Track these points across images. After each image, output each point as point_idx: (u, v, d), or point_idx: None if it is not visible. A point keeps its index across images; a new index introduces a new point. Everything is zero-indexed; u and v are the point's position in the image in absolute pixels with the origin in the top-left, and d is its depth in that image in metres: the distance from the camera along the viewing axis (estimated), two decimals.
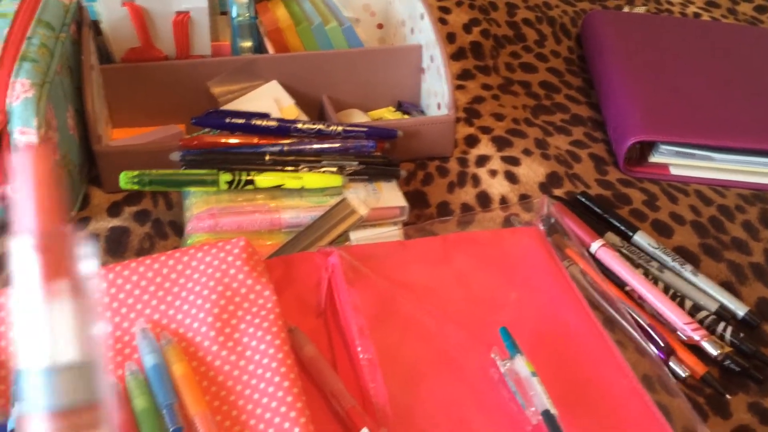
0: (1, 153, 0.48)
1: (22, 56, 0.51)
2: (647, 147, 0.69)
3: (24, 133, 0.48)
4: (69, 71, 0.57)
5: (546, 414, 0.42)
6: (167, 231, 0.55)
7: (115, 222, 0.55)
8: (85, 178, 0.58)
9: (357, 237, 0.54)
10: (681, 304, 0.53)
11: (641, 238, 0.58)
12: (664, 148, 0.67)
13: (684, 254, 0.58)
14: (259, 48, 0.70)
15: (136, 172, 0.52)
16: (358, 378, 0.45)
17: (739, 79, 0.76)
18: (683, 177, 0.68)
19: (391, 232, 0.56)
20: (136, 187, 0.52)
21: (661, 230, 0.61)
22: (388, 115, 0.70)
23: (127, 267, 0.45)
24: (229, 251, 0.46)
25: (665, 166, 0.68)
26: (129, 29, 0.60)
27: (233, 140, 0.58)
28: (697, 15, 0.96)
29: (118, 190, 0.57)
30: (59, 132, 0.52)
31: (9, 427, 0.36)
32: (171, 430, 0.38)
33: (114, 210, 0.56)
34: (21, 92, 0.49)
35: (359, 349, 0.46)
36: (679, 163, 0.68)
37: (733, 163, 0.67)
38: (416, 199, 0.62)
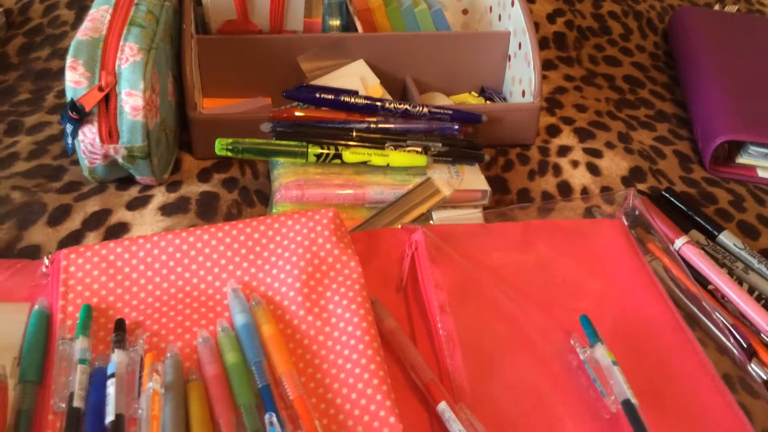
0: (108, 114, 0.50)
1: (131, 21, 0.53)
2: (734, 147, 0.67)
3: (131, 95, 0.50)
4: (170, 39, 0.59)
5: (626, 403, 0.42)
6: (254, 199, 0.57)
7: (205, 187, 0.57)
8: (177, 143, 0.60)
9: (439, 217, 0.55)
10: (766, 307, 0.52)
11: (727, 238, 0.57)
12: (753, 149, 0.66)
13: None
14: (348, 27, 0.71)
15: (230, 140, 0.54)
16: (437, 354, 0.46)
17: None
18: None
19: (473, 215, 0.56)
20: (230, 154, 0.54)
21: (747, 232, 0.60)
22: (470, 99, 0.71)
23: (221, 229, 0.47)
24: (318, 221, 0.47)
25: (753, 168, 0.67)
26: (227, 2, 0.62)
27: (322, 115, 0.60)
28: None
29: (208, 157, 0.59)
30: (160, 97, 0.54)
31: (109, 371, 0.38)
32: (260, 386, 0.39)
33: (204, 176, 0.58)
34: (129, 56, 0.51)
35: (439, 325, 0.46)
36: None
37: None
38: (497, 185, 0.62)
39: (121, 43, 0.52)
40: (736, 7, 0.92)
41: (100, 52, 0.51)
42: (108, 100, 0.50)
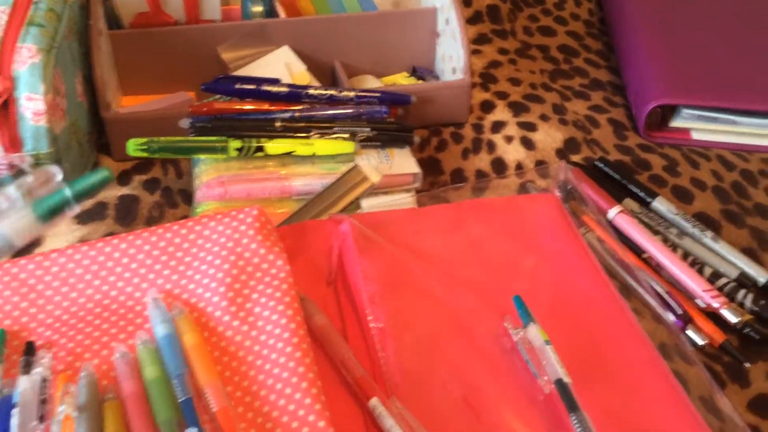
0: (8, 121, 0.48)
1: (29, 21, 0.50)
2: (668, 111, 0.67)
3: (31, 99, 0.48)
4: (77, 36, 0.56)
5: (559, 383, 0.41)
6: (177, 199, 0.55)
7: (125, 191, 0.54)
8: (94, 146, 0.58)
9: (369, 204, 0.54)
10: (700, 272, 0.52)
11: (661, 204, 0.57)
12: (686, 112, 0.65)
13: (705, 220, 0.57)
14: (270, 12, 0.69)
15: (144, 139, 0.51)
16: (369, 347, 0.45)
17: (763, 42, 0.73)
18: (705, 142, 0.66)
19: (404, 200, 0.55)
20: (144, 155, 0.51)
21: (681, 196, 0.60)
22: (401, 80, 0.69)
23: (140, 236, 0.45)
24: (242, 220, 0.46)
25: (687, 131, 0.67)
26: None
27: (244, 107, 0.57)
28: None
29: (127, 158, 0.57)
30: (67, 99, 0.51)
31: (14, 399, 0.36)
32: (181, 399, 0.38)
33: (124, 178, 0.56)
34: (27, 58, 0.48)
35: (370, 317, 0.45)
36: (702, 127, 0.66)
37: (757, 127, 0.65)
38: (430, 166, 0.60)
39: (18, 44, 0.49)
40: None
41: None
42: (7, 107, 0.48)
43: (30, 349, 0.39)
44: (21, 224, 0.44)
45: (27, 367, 0.38)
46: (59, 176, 0.45)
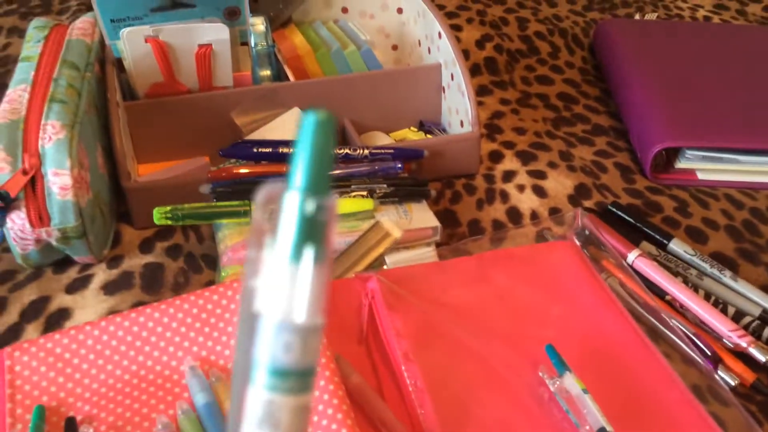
0: (36, 196, 0.48)
1: (51, 98, 0.51)
2: (672, 153, 0.69)
3: (58, 175, 0.48)
4: (96, 110, 0.57)
5: None
6: (201, 264, 0.55)
7: (149, 258, 0.55)
8: (114, 216, 0.58)
9: (392, 260, 0.54)
10: (724, 311, 0.53)
11: (677, 246, 0.58)
12: (690, 153, 0.67)
13: (721, 260, 0.58)
14: (278, 76, 0.70)
15: (168, 207, 0.52)
16: (406, 404, 0.44)
17: (757, 80, 0.75)
18: (711, 182, 0.67)
19: (427, 254, 0.55)
20: (169, 222, 0.52)
21: (695, 237, 0.61)
22: (410, 135, 0.70)
23: (172, 305, 0.45)
24: None
25: (692, 172, 0.68)
26: (152, 65, 0.60)
27: (261, 170, 0.58)
28: (707, 18, 0.96)
29: (148, 226, 0.57)
30: (91, 171, 0.52)
31: None
32: None
33: (146, 246, 0.56)
34: (52, 134, 0.49)
35: (405, 375, 0.45)
36: (706, 167, 0.68)
37: (761, 165, 0.67)
38: (447, 219, 0.61)
39: (42, 122, 0.50)
40: (656, 15, 0.95)
41: (21, 134, 0.49)
42: (34, 183, 0.48)
43: (71, 425, 0.39)
44: None
45: None
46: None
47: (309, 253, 0.20)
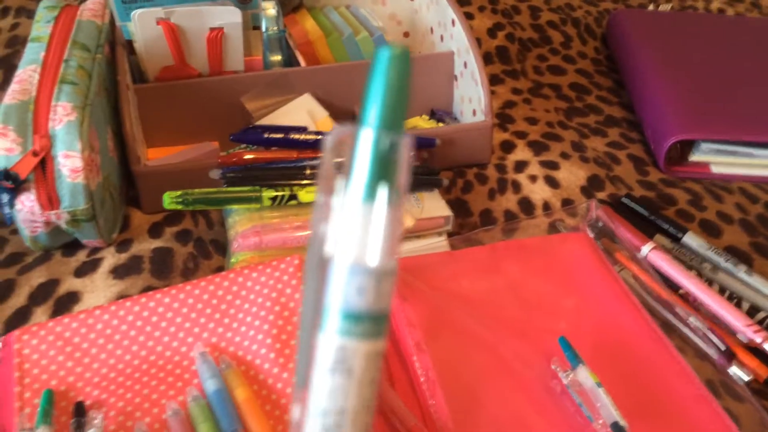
0: (46, 178, 0.48)
1: (62, 79, 0.51)
2: (686, 146, 0.68)
3: (69, 157, 0.48)
4: (106, 93, 0.56)
5: (615, 426, 0.41)
6: (210, 250, 0.55)
7: (158, 243, 0.54)
8: (124, 200, 0.58)
9: (404, 249, 0.54)
10: (738, 306, 0.52)
11: (691, 240, 0.57)
12: (704, 146, 0.66)
13: (735, 254, 0.57)
14: (289, 61, 0.69)
15: (179, 192, 0.51)
16: (417, 395, 0.44)
17: None
18: (725, 175, 0.67)
19: (438, 243, 0.55)
20: (180, 207, 0.51)
21: (709, 230, 0.60)
22: (421, 123, 0.70)
23: (182, 290, 0.44)
24: (284, 270, 0.45)
25: (706, 165, 0.67)
26: (163, 48, 0.59)
27: (272, 155, 0.58)
28: (721, 11, 0.95)
29: (157, 211, 0.57)
30: (101, 154, 0.51)
31: None
32: None
33: (155, 231, 0.56)
34: (63, 115, 0.48)
35: (417, 365, 0.45)
36: (720, 160, 0.67)
37: None
38: (458, 208, 0.61)
39: (53, 103, 0.49)
40: (670, 5, 0.94)
41: (31, 115, 0.48)
42: (44, 165, 0.48)
43: (80, 410, 0.39)
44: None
45: (79, 429, 0.37)
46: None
47: (383, 192, 0.19)
